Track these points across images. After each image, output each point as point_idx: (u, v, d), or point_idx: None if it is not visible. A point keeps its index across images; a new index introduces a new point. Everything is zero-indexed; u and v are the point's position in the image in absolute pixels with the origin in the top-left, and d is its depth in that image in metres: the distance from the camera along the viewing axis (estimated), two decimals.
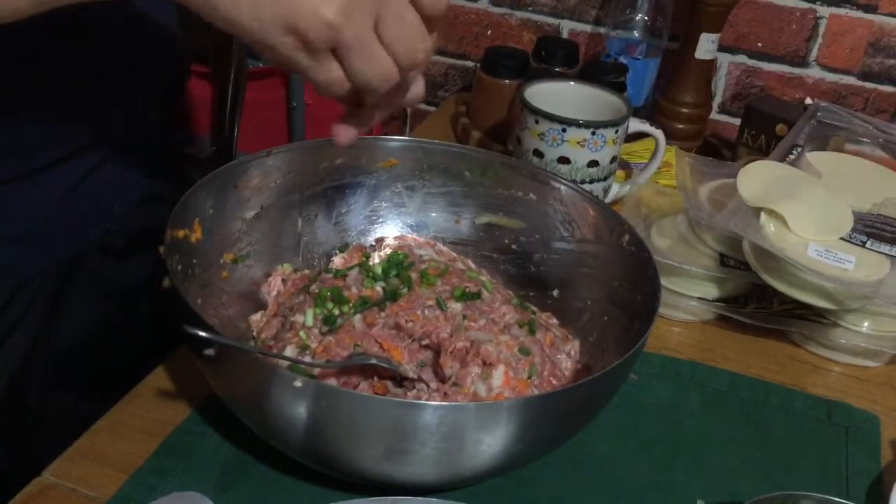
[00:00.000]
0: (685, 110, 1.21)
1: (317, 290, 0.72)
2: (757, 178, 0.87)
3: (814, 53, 1.28)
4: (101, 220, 0.78)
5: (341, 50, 0.52)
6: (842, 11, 1.25)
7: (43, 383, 0.77)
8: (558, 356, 0.72)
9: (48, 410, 0.78)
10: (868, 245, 0.83)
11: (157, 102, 0.81)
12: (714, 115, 1.34)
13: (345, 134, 0.62)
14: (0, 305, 0.72)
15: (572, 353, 0.74)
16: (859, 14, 1.24)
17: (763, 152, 1.10)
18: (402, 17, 0.52)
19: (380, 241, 0.82)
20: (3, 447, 0.76)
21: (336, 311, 0.70)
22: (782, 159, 0.94)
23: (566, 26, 1.39)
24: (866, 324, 0.83)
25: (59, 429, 0.68)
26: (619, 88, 1.09)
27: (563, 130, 0.93)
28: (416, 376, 0.66)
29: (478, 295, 0.71)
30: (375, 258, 0.79)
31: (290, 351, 0.67)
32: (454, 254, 0.82)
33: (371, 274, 0.74)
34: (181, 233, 0.68)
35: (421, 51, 0.53)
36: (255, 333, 0.72)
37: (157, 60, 0.79)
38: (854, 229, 0.84)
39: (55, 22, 0.63)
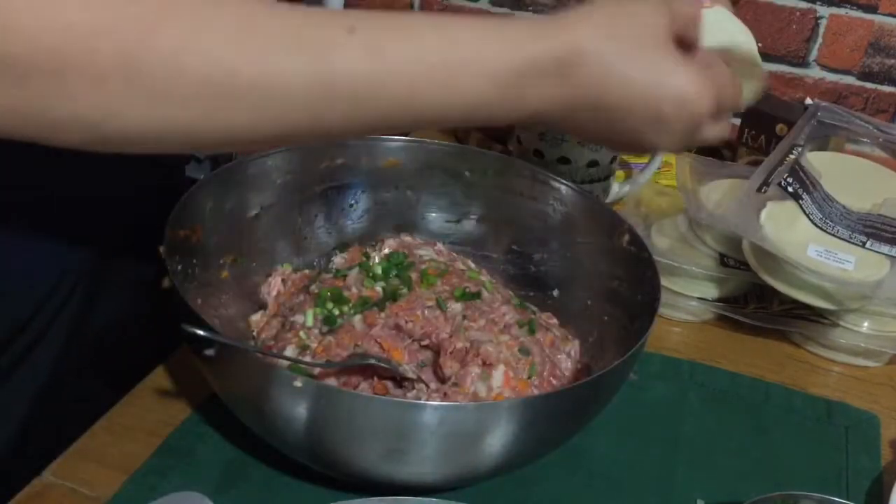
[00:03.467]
0: None
1: (317, 290, 0.72)
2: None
3: (814, 53, 1.28)
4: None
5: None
6: (842, 11, 1.25)
7: (78, 374, 0.77)
8: (558, 356, 0.72)
9: (80, 403, 0.77)
10: (868, 245, 0.83)
11: None
12: None
13: None
14: (43, 293, 0.71)
15: (572, 353, 0.73)
16: (859, 14, 1.24)
17: (763, 152, 1.09)
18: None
19: (380, 241, 0.82)
20: (28, 440, 0.75)
21: (336, 311, 0.70)
22: (782, 159, 0.94)
23: None
24: (866, 324, 0.83)
25: (62, 427, 0.68)
26: None
27: None
28: (415, 376, 0.66)
29: (478, 295, 0.71)
30: (375, 258, 0.79)
31: (290, 351, 0.67)
32: (454, 254, 0.82)
33: (371, 274, 0.74)
34: (181, 233, 0.68)
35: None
36: (255, 333, 0.72)
37: None
38: (854, 229, 0.84)
39: None
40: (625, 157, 1.08)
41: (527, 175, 0.80)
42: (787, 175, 0.86)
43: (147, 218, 0.79)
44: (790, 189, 0.85)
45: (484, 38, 0.49)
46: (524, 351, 0.67)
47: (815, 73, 1.30)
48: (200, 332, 0.56)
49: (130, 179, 0.75)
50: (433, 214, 0.83)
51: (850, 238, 0.83)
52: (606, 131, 0.55)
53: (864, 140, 1.05)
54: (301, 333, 0.68)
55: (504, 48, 0.50)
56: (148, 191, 0.78)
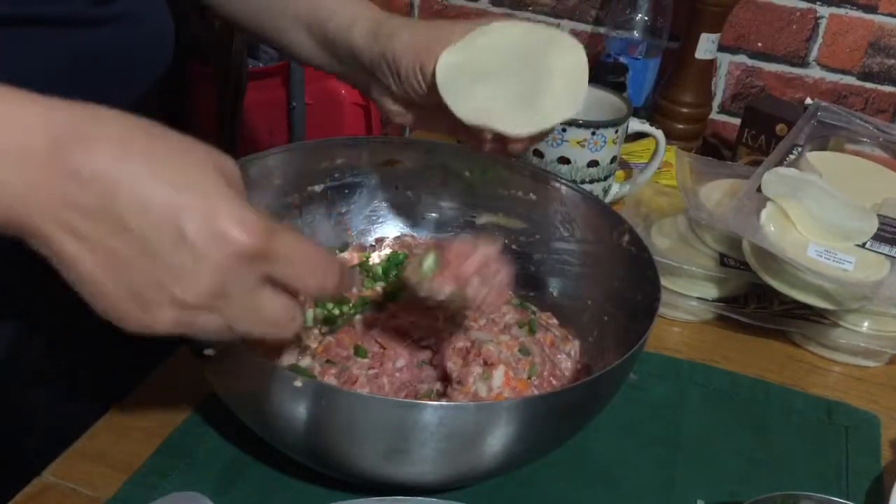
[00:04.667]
0: (685, 110, 1.21)
1: None
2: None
3: (814, 53, 1.28)
4: None
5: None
6: (842, 11, 1.25)
7: (27, 379, 0.77)
8: (558, 356, 0.72)
9: (35, 408, 0.78)
10: (868, 245, 0.83)
11: (143, 106, 0.80)
12: (714, 115, 1.34)
13: None
14: None
15: (572, 353, 0.73)
16: (859, 14, 1.24)
17: (763, 152, 1.10)
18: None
19: (380, 241, 0.82)
20: None
21: (336, 312, 0.70)
22: (782, 159, 0.94)
23: (566, 26, 1.39)
24: (866, 324, 0.83)
25: (49, 428, 0.68)
26: (619, 88, 1.09)
27: (563, 130, 0.93)
28: None
29: None
30: (375, 258, 0.79)
31: (290, 351, 0.67)
32: None
33: (371, 274, 0.74)
34: None
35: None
36: None
37: (142, 63, 0.77)
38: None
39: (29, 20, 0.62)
40: (624, 155, 1.07)
41: (527, 175, 0.80)
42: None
43: None
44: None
45: None
46: (524, 351, 0.67)
47: (815, 73, 1.30)
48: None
49: None
50: (433, 214, 0.83)
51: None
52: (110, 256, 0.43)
53: (864, 140, 1.05)
54: (301, 334, 0.68)
55: None
56: None
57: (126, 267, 0.43)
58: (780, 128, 1.10)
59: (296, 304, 0.49)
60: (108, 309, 0.44)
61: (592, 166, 0.95)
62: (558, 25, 1.39)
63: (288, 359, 0.66)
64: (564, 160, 0.95)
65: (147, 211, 0.42)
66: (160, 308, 0.44)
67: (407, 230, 0.83)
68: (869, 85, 1.28)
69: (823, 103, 1.07)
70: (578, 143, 0.94)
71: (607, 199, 1.00)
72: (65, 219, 0.42)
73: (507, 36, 0.69)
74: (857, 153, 1.07)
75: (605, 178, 0.98)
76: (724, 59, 1.32)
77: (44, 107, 0.43)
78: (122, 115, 0.44)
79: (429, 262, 0.58)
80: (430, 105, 0.70)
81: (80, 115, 0.43)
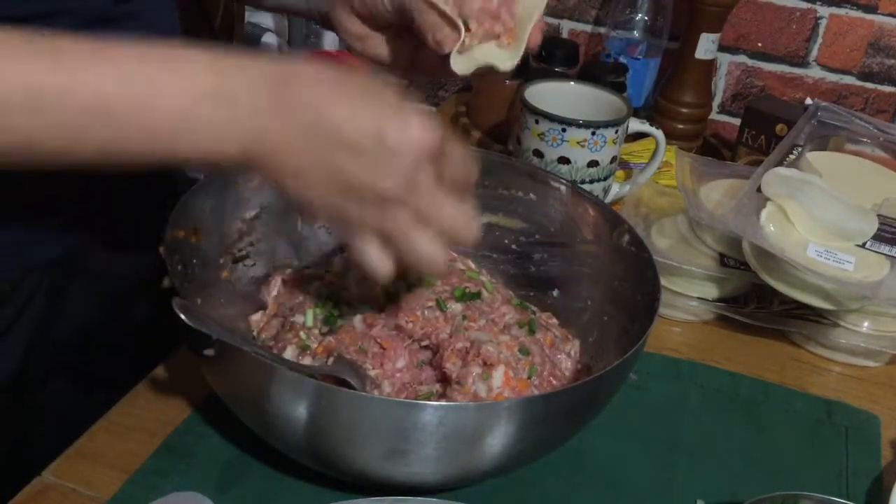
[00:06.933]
0: (685, 110, 1.21)
1: (317, 290, 0.72)
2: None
3: (814, 53, 1.28)
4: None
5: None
6: (842, 11, 1.25)
7: (45, 375, 0.77)
8: (558, 356, 0.72)
9: (48, 406, 0.78)
10: (868, 245, 0.83)
11: None
12: (714, 115, 1.34)
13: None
14: (4, 293, 0.71)
15: (572, 353, 0.73)
16: (859, 14, 1.24)
17: (763, 152, 1.09)
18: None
19: None
20: (2, 444, 0.75)
21: (336, 312, 0.70)
22: (782, 159, 0.94)
23: (566, 26, 1.39)
24: (866, 324, 0.83)
25: (60, 427, 0.68)
26: (619, 88, 1.09)
27: (563, 130, 0.93)
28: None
29: (478, 295, 0.71)
30: None
31: (290, 351, 0.67)
32: (454, 254, 0.81)
33: None
34: (181, 233, 0.68)
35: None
36: (255, 333, 0.72)
37: None
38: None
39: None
40: (624, 155, 1.07)
41: (527, 175, 0.80)
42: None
43: (123, 217, 0.79)
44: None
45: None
46: (524, 351, 0.67)
47: (815, 73, 1.30)
48: (205, 330, 0.56)
49: (105, 179, 0.75)
50: None
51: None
52: (326, 162, 0.51)
53: (864, 140, 1.05)
54: (301, 333, 0.68)
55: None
56: (126, 188, 0.78)
57: (339, 170, 0.51)
58: (780, 128, 1.10)
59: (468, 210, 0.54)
60: (321, 206, 0.53)
61: (592, 166, 0.95)
62: (558, 25, 1.39)
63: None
64: (564, 160, 0.95)
65: (356, 120, 0.50)
66: (364, 204, 0.52)
67: None
68: (869, 85, 1.28)
69: (823, 103, 1.07)
70: (578, 143, 0.94)
71: (607, 199, 1.00)
72: (288, 139, 0.50)
73: None
74: (857, 153, 1.06)
75: (605, 178, 0.98)
76: (724, 59, 1.32)
77: (250, 59, 0.51)
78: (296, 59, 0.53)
79: None
80: (391, 26, 0.69)
81: (277, 63, 0.52)
